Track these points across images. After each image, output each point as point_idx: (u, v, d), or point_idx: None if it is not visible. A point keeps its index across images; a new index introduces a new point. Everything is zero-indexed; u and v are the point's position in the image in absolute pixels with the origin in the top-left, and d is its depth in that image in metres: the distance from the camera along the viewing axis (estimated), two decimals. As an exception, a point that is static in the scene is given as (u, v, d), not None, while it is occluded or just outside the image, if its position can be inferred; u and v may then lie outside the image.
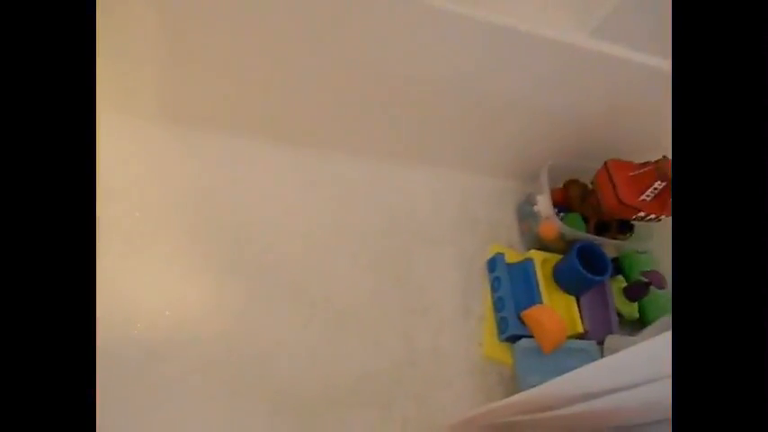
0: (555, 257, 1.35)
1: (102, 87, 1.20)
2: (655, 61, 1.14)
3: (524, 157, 1.45)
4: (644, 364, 0.70)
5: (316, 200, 1.32)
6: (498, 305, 1.29)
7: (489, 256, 1.38)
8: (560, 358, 1.17)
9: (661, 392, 0.67)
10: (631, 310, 1.37)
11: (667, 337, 0.67)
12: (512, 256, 1.36)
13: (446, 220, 1.42)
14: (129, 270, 1.08)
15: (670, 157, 1.24)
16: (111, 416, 0.94)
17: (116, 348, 1.00)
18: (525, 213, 1.47)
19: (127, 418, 0.95)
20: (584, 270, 1.25)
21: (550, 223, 1.33)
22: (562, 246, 1.37)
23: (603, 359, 0.76)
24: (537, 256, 1.33)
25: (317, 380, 1.09)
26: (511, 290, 1.28)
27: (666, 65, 1.15)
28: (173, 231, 1.15)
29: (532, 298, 1.25)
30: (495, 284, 1.32)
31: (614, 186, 1.27)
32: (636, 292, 1.36)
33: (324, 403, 1.07)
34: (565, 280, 1.32)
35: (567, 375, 0.79)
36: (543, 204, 1.35)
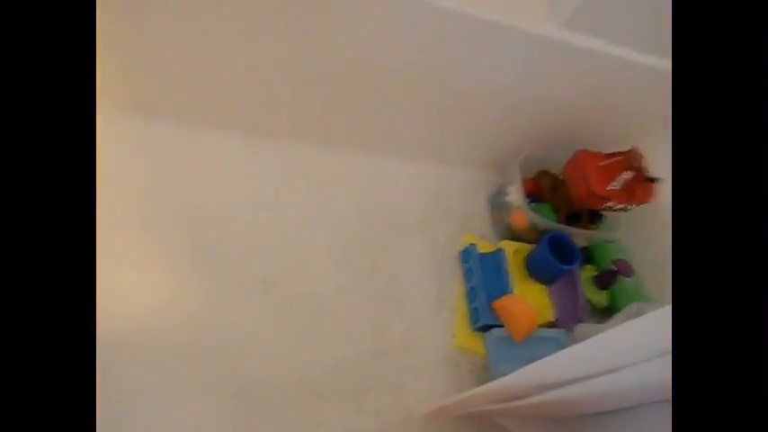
0: (526, 247, 1.37)
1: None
2: (624, 53, 1.15)
3: (496, 148, 1.46)
4: (611, 352, 0.71)
5: (287, 192, 1.30)
6: (470, 295, 1.29)
7: (462, 246, 1.39)
8: (531, 347, 1.18)
9: (630, 379, 0.68)
10: (601, 298, 1.39)
11: (639, 323, 0.68)
12: (484, 247, 1.37)
13: (419, 212, 1.42)
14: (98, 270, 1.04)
15: (638, 147, 1.26)
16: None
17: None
18: (497, 204, 1.48)
19: (104, 420, 0.92)
20: (554, 259, 1.26)
21: (521, 213, 1.34)
22: (533, 236, 1.38)
23: (571, 347, 0.77)
24: (508, 246, 1.34)
25: (288, 372, 1.08)
26: (483, 280, 1.29)
27: (636, 56, 1.16)
28: (134, 225, 1.12)
29: (504, 288, 1.26)
30: (468, 275, 1.32)
31: (584, 176, 1.28)
32: (605, 280, 1.38)
33: (295, 396, 1.06)
34: (536, 269, 1.33)
35: (535, 364, 0.80)
36: (515, 195, 1.36)
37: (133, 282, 1.06)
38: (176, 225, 1.16)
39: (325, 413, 1.07)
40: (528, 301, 1.23)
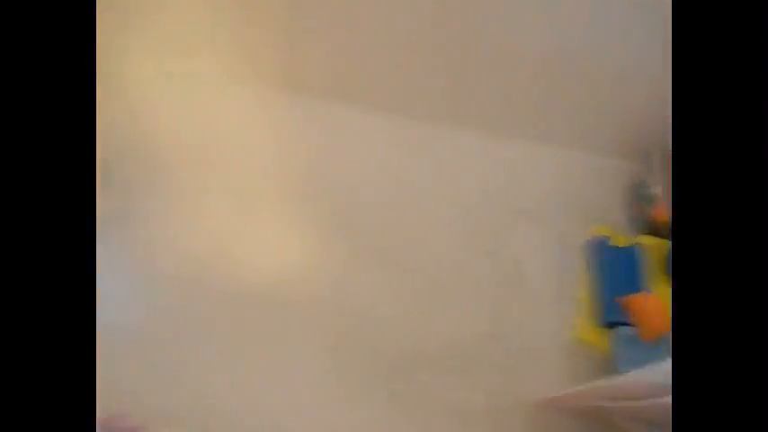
0: (668, 244, 1.25)
1: (225, 55, 1.30)
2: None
3: (635, 134, 1.34)
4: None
5: (417, 171, 1.34)
6: (597, 289, 1.22)
7: (591, 236, 1.31)
8: (660, 349, 1.09)
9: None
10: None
11: None
12: (617, 240, 1.28)
13: (547, 198, 1.37)
14: (242, 228, 1.19)
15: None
16: (221, 362, 1.04)
17: (228, 301, 1.11)
18: (638, 195, 1.36)
19: (234, 365, 1.05)
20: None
21: (666, 207, 1.23)
22: (677, 232, 1.25)
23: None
24: (647, 241, 1.24)
25: (403, 342, 1.13)
26: (612, 274, 1.22)
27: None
28: (283, 194, 1.25)
29: (635, 285, 1.18)
30: (596, 267, 1.25)
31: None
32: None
33: (408, 364, 1.11)
34: (677, 269, 1.22)
35: (663, 365, 0.75)
36: (660, 186, 1.25)
37: (276, 243, 1.19)
38: (322, 198, 1.26)
39: (437, 384, 1.10)
40: (662, 301, 1.13)
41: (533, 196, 1.36)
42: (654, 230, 1.30)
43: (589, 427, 1.07)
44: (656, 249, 1.24)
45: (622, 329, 1.15)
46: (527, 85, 1.26)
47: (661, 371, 0.76)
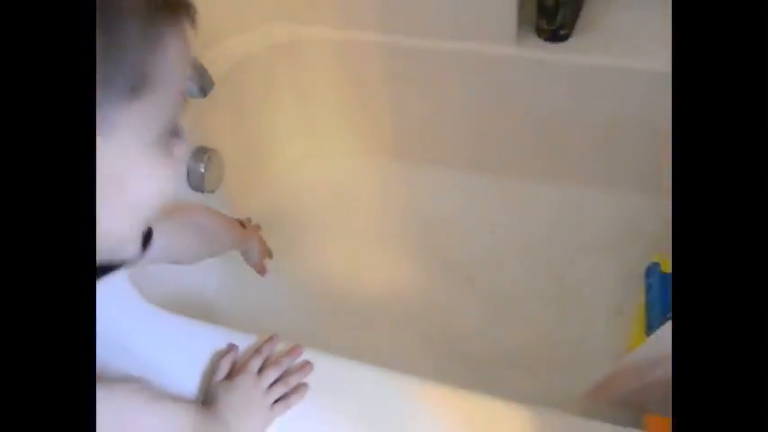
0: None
1: (347, 135, 1.79)
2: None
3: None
4: None
5: (497, 215, 1.68)
6: (648, 307, 1.44)
7: (648, 264, 1.54)
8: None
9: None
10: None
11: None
12: (666, 266, 1.50)
13: (610, 233, 1.60)
14: (360, 260, 1.61)
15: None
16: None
17: (340, 308, 1.52)
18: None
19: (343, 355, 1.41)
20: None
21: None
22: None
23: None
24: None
25: (478, 343, 1.44)
26: (661, 296, 1.43)
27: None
28: (389, 237, 1.66)
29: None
30: (648, 290, 1.47)
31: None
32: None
33: (483, 360, 1.41)
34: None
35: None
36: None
37: (383, 271, 1.59)
38: (418, 238, 1.65)
39: (504, 376, 1.37)
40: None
41: (596, 233, 1.62)
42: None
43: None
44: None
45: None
46: (596, 143, 1.58)
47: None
